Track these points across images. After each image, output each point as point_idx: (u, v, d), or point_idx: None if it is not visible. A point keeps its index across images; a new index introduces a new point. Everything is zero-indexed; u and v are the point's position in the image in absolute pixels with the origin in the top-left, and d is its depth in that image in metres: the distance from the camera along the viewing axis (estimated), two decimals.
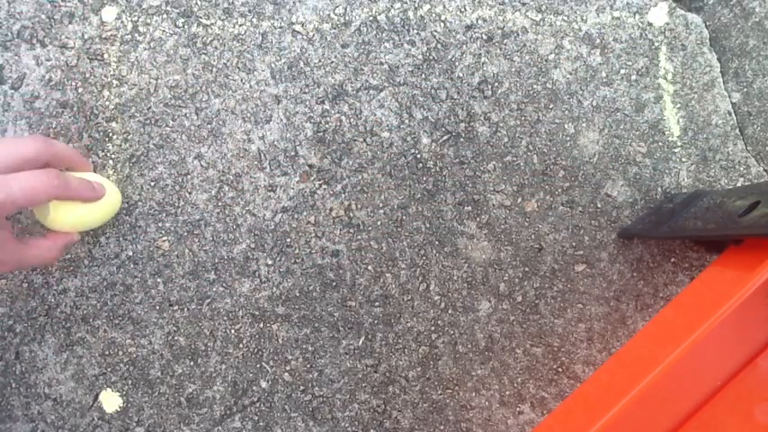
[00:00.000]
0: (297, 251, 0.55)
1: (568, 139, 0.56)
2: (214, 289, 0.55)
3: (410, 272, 0.55)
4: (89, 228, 0.51)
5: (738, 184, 0.55)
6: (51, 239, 0.48)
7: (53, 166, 0.45)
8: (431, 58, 0.57)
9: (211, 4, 0.58)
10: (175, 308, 0.55)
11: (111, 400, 0.55)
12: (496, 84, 0.57)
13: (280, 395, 0.55)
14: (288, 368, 0.55)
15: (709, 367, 0.34)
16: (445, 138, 0.56)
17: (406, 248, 0.55)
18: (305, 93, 0.57)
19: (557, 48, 0.57)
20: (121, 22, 0.58)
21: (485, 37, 0.57)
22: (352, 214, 0.56)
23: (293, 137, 0.56)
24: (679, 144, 0.56)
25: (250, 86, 0.57)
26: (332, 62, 0.57)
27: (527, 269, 0.55)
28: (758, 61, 0.57)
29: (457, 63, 0.57)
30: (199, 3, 0.58)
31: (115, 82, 0.57)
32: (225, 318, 0.55)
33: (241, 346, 0.55)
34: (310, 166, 0.56)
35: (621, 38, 0.57)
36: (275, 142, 0.56)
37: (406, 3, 0.57)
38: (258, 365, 0.55)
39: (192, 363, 0.55)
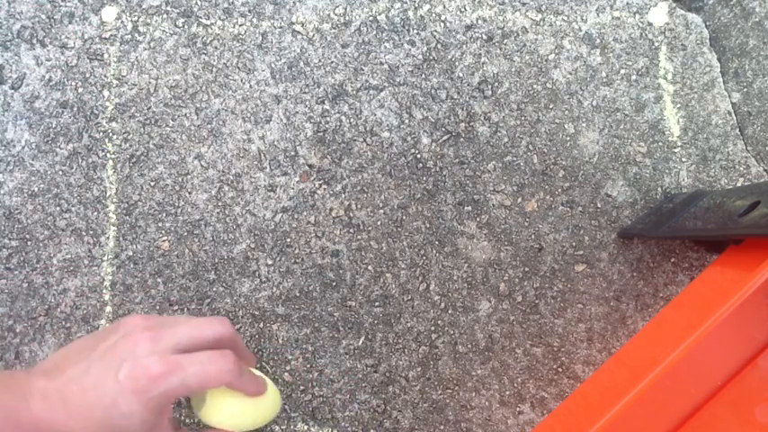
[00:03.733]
0: (297, 251, 0.55)
1: (568, 139, 0.56)
2: (214, 289, 0.55)
3: (410, 272, 0.55)
4: (241, 428, 0.43)
5: (738, 184, 0.55)
6: None
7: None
8: (431, 58, 0.57)
9: (211, 4, 0.58)
10: (175, 308, 0.55)
11: None
12: (496, 84, 0.57)
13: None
14: (288, 368, 0.55)
15: (709, 367, 0.34)
16: (445, 138, 0.56)
17: (406, 248, 0.55)
18: (305, 93, 0.57)
19: (557, 48, 0.57)
20: (121, 22, 0.58)
21: (485, 37, 0.57)
22: (352, 214, 0.56)
23: (293, 137, 0.56)
24: (679, 144, 0.56)
25: (250, 86, 0.57)
26: (332, 62, 0.57)
27: (527, 269, 0.55)
28: (758, 61, 0.57)
29: (457, 63, 0.57)
30: (199, 3, 0.58)
31: (115, 82, 0.57)
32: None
33: None
34: (310, 166, 0.56)
35: (621, 38, 0.57)
36: (275, 142, 0.56)
37: (406, 3, 0.57)
38: (258, 365, 0.55)
39: None
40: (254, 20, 0.57)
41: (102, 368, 0.35)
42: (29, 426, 0.34)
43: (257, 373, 0.45)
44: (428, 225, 0.56)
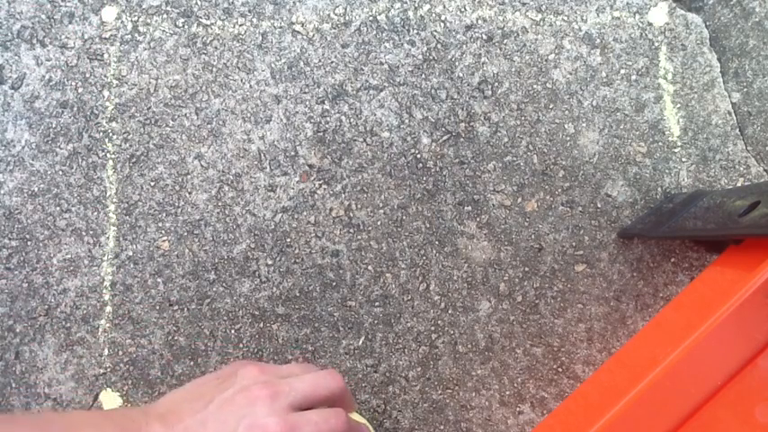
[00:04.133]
0: (297, 251, 0.55)
1: (568, 139, 0.56)
2: (214, 289, 0.55)
3: (410, 272, 0.55)
4: None
5: (738, 184, 0.55)
6: None
7: (337, 405, 0.42)
8: (431, 58, 0.57)
9: (211, 4, 0.58)
10: (175, 308, 0.55)
11: (111, 400, 0.55)
12: (496, 84, 0.57)
13: None
14: None
15: (710, 367, 0.34)
16: (445, 138, 0.56)
17: (406, 248, 0.55)
18: (305, 93, 0.57)
19: (557, 48, 0.57)
20: (121, 22, 0.58)
21: (485, 37, 0.57)
22: (352, 214, 0.56)
23: (293, 137, 0.56)
24: (679, 144, 0.56)
25: (250, 86, 0.57)
26: (332, 62, 0.57)
27: (527, 269, 0.55)
28: (758, 61, 0.57)
29: (457, 63, 0.57)
30: (199, 3, 0.58)
31: (115, 82, 0.57)
32: (225, 318, 0.55)
33: (241, 346, 0.55)
34: (310, 166, 0.56)
35: (621, 38, 0.57)
36: (275, 142, 0.56)
37: (406, 3, 0.57)
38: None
39: (191, 363, 0.55)
40: (254, 20, 0.57)
41: (219, 422, 0.37)
42: None
43: (360, 419, 0.45)
44: (428, 225, 0.56)
